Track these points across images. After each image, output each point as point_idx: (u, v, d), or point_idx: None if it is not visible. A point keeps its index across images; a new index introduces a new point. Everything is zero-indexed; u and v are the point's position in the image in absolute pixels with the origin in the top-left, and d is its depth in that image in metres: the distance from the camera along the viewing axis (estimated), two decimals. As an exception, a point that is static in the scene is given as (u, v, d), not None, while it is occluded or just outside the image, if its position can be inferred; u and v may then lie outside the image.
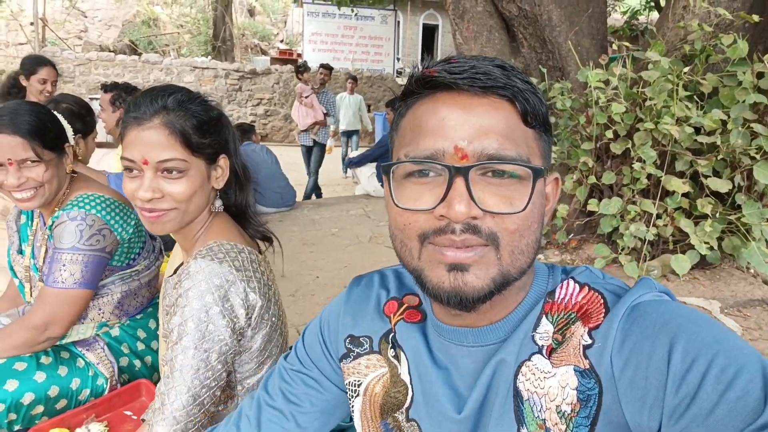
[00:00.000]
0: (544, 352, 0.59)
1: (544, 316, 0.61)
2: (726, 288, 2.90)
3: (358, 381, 0.74)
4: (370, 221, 4.76)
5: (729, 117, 2.74)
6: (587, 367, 0.55)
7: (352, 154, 6.93)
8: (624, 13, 10.99)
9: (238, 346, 1.01)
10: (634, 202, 3.05)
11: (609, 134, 3.02)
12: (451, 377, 0.64)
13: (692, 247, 2.82)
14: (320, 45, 15.68)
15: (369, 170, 6.15)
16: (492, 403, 0.60)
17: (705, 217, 2.82)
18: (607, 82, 3.14)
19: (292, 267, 3.48)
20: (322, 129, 6.55)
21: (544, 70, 3.72)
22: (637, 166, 2.84)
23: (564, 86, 3.43)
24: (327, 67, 6.86)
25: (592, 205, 3.08)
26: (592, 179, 3.21)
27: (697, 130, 2.81)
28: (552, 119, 3.55)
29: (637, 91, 2.99)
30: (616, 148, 3.04)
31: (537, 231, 0.57)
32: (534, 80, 3.89)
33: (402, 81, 16.40)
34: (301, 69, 6.74)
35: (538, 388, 0.58)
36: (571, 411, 0.55)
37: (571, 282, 0.63)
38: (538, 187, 0.56)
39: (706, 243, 2.73)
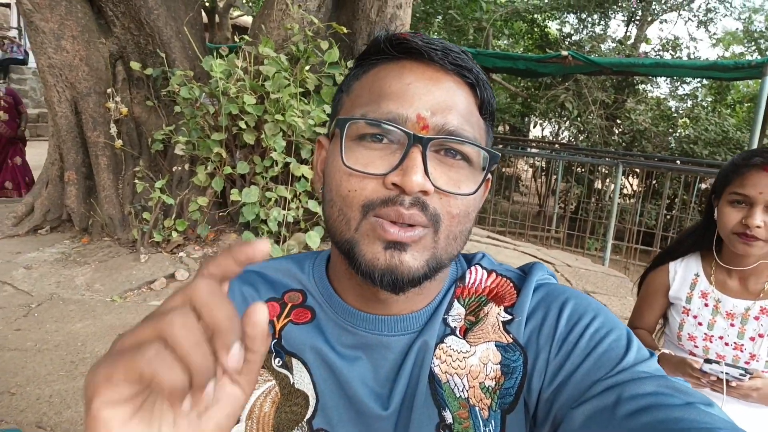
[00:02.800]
0: (457, 332, 0.60)
1: (456, 300, 0.62)
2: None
3: None
4: None
5: (336, 111, 3.27)
6: (510, 341, 0.58)
7: None
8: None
9: None
10: (269, 189, 3.25)
11: (242, 125, 3.10)
12: (369, 372, 0.60)
13: (318, 223, 3.25)
14: None
15: None
16: (414, 390, 0.58)
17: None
18: (228, 73, 3.19)
19: None
20: None
21: (162, 56, 3.44)
22: (274, 155, 3.03)
23: (186, 74, 3.27)
24: None
25: (235, 195, 3.12)
26: (227, 170, 3.23)
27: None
28: (176, 108, 3.35)
29: (260, 84, 3.17)
30: (249, 139, 3.15)
31: (471, 221, 0.57)
32: (136, 66, 3.57)
33: None
34: None
35: (458, 369, 0.58)
36: (496, 384, 0.57)
37: (479, 268, 0.65)
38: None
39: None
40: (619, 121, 9.31)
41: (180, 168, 3.48)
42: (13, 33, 12.39)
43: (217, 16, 13.87)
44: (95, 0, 3.80)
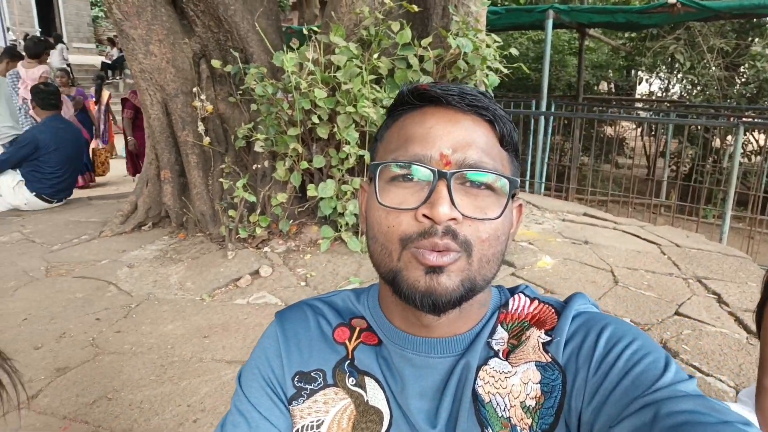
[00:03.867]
0: (500, 355, 0.64)
1: (499, 325, 0.67)
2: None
3: (319, 421, 0.68)
4: (38, 247, 3.72)
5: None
6: (549, 360, 0.61)
7: None
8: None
9: None
10: (345, 182, 3.22)
11: (314, 119, 3.06)
12: (420, 392, 0.65)
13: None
14: None
15: (13, 179, 4.78)
16: (458, 410, 0.62)
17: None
18: (300, 66, 3.15)
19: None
20: None
21: (236, 53, 3.49)
22: (347, 148, 2.97)
23: (260, 71, 3.29)
24: None
25: (311, 190, 3.11)
26: (304, 164, 3.24)
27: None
28: (253, 106, 3.39)
29: (331, 75, 3.10)
30: (323, 132, 3.12)
31: (503, 244, 0.61)
32: (217, 63, 3.64)
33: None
34: None
35: (500, 389, 0.62)
36: (536, 404, 0.60)
37: (522, 296, 0.70)
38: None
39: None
40: (742, 70, 8.15)
41: (261, 164, 3.55)
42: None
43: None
44: (177, 2, 3.92)
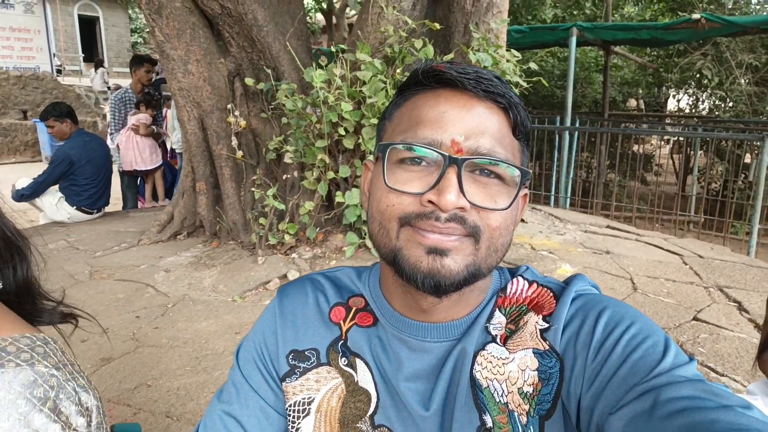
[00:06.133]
0: (498, 340, 0.63)
1: (497, 310, 0.66)
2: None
3: (309, 398, 0.69)
4: (82, 253, 3.97)
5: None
6: (547, 348, 0.61)
7: (19, 183, 5.23)
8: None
9: None
10: (370, 191, 3.36)
11: (341, 131, 3.23)
12: (414, 375, 0.65)
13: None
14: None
15: (53, 197, 5.04)
16: (454, 394, 0.62)
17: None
18: (329, 82, 3.34)
19: None
20: None
21: (269, 71, 3.70)
22: (371, 157, 3.12)
23: (290, 87, 3.49)
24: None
25: (339, 198, 3.26)
26: (331, 174, 3.40)
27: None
28: (283, 120, 3.58)
29: (357, 90, 3.27)
30: (348, 144, 3.28)
31: (511, 234, 0.61)
32: (250, 81, 3.85)
33: (63, 80, 13.96)
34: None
35: (498, 375, 0.61)
36: (533, 390, 0.59)
37: (521, 279, 0.68)
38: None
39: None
40: (772, 85, 8.05)
41: (290, 175, 3.73)
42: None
43: (333, 17, 14.51)
44: (214, 24, 4.19)
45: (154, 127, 5.82)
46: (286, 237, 3.53)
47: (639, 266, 3.40)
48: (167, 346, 2.47)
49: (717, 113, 8.89)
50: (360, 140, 3.26)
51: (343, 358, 0.69)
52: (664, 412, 0.46)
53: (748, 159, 7.74)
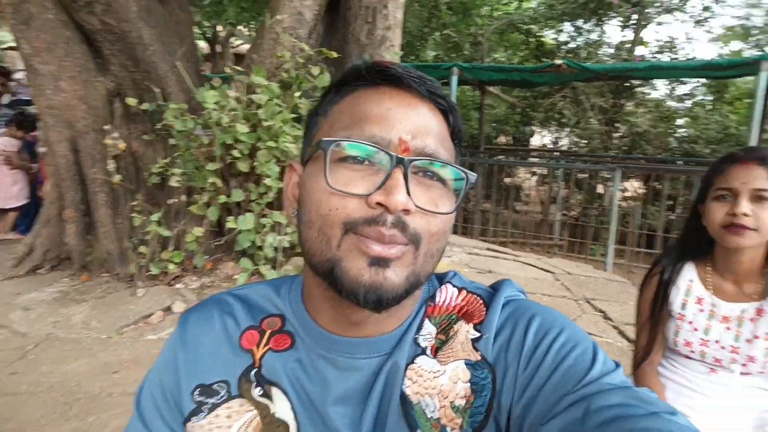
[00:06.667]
0: (428, 352, 0.61)
1: (426, 320, 0.63)
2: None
3: None
4: None
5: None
6: (479, 358, 0.59)
7: None
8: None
9: None
10: (264, 215, 3.27)
11: (235, 153, 3.12)
12: (343, 397, 0.60)
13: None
14: None
15: None
16: (385, 414, 0.59)
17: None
18: (222, 105, 3.23)
19: None
20: None
21: (157, 91, 3.50)
22: (268, 181, 3.05)
23: (180, 107, 3.32)
24: None
25: (231, 223, 3.13)
26: (223, 198, 3.25)
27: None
28: (171, 141, 3.39)
29: (253, 113, 3.20)
30: (243, 167, 3.18)
31: (446, 240, 0.59)
32: (132, 101, 3.61)
33: None
34: None
35: (429, 389, 0.59)
36: (466, 403, 0.57)
37: (450, 286, 0.66)
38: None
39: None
40: (618, 125, 9.28)
41: (176, 200, 3.51)
42: (21, 75, 12.64)
43: (218, 45, 14.10)
44: (92, 40, 3.87)
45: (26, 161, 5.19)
46: (170, 266, 3.29)
47: (519, 283, 3.59)
48: (27, 392, 2.15)
49: (575, 149, 10.01)
50: (255, 163, 3.17)
51: (258, 388, 0.63)
52: (596, 421, 0.47)
53: (601, 189, 8.76)
